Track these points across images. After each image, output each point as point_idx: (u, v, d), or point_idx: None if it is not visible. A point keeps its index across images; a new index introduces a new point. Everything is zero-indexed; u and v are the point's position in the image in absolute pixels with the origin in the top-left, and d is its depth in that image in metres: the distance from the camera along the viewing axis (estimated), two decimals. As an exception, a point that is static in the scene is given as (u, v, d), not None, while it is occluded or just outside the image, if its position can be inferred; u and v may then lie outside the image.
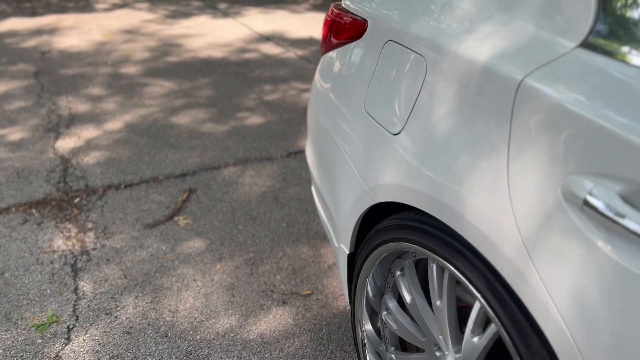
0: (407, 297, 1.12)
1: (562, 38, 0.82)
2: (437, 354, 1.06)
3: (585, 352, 0.68)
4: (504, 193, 0.80)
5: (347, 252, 1.32)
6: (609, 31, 0.79)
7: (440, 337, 1.04)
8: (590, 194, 0.66)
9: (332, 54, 1.42)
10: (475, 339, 0.93)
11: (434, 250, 0.96)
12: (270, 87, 4.03)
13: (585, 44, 0.78)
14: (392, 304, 1.22)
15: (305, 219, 2.41)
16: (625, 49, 0.77)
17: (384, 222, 1.11)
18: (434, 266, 1.01)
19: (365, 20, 1.23)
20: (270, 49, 5.05)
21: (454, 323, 0.99)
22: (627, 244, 0.64)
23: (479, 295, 0.87)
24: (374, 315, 1.31)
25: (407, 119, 1.02)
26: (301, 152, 3.06)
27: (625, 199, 0.64)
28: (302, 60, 4.73)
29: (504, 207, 0.79)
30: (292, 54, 4.92)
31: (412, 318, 1.17)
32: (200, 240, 2.24)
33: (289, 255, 2.16)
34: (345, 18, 1.34)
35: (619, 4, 0.80)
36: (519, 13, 0.90)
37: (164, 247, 2.18)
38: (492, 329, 0.90)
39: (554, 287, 0.72)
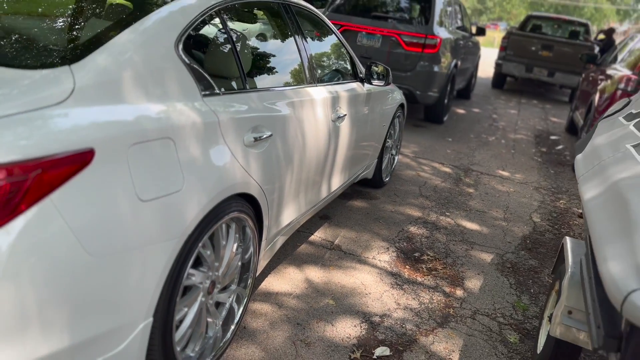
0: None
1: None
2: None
3: (265, 189, 1.97)
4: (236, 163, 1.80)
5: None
6: None
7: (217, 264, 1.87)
8: (255, 138, 1.89)
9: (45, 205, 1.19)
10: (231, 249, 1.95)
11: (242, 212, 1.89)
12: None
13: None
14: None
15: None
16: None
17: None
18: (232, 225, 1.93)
19: (89, 149, 1.26)
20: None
21: None
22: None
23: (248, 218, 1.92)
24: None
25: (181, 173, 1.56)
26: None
27: (255, 130, 1.92)
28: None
29: (237, 167, 1.80)
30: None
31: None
32: None
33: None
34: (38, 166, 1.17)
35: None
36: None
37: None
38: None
39: (257, 175, 1.90)
